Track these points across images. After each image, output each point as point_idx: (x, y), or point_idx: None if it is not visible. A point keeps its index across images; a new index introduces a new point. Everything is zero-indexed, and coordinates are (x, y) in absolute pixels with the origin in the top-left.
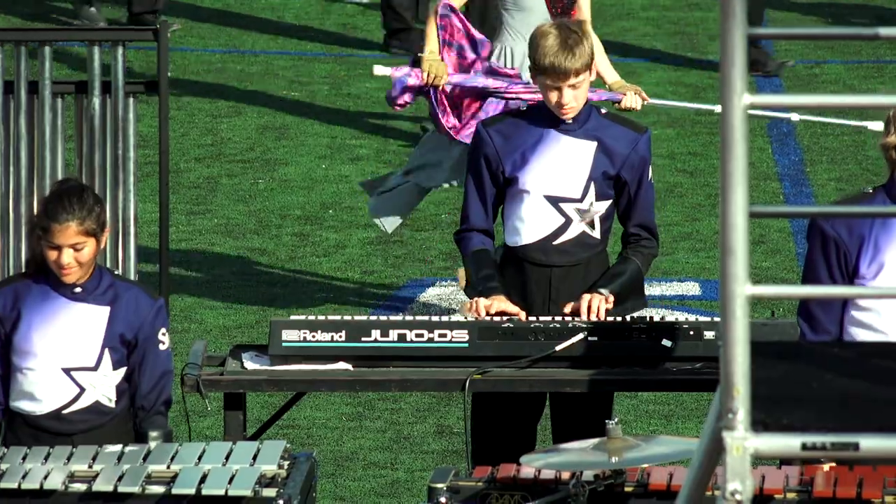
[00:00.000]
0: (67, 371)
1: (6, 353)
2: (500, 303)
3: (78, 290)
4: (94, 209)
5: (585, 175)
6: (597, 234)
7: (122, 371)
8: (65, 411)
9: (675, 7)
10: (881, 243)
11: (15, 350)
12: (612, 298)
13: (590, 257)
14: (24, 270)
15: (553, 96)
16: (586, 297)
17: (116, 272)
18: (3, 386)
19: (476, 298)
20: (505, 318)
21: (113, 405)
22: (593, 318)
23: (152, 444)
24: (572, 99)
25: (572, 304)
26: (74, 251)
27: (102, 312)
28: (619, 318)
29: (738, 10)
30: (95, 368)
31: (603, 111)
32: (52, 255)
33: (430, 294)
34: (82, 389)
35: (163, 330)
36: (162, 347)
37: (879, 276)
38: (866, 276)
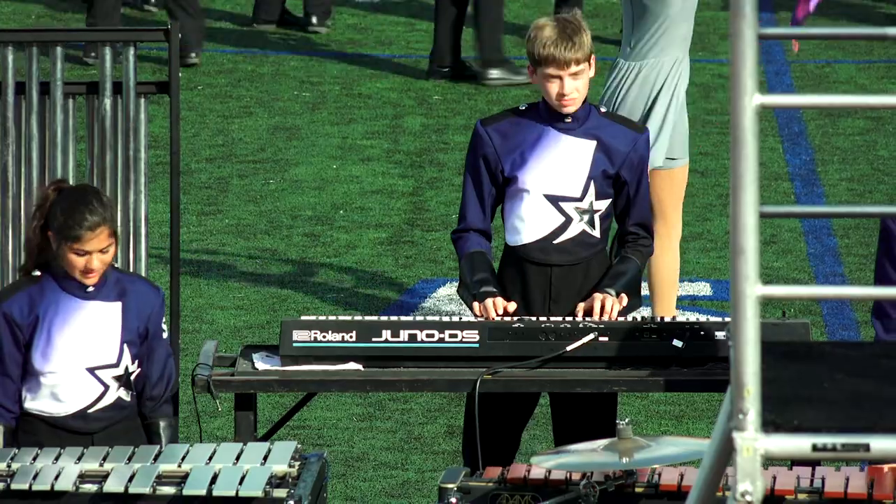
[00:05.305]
0: (92, 370)
1: (25, 358)
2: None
3: (89, 288)
4: (112, 208)
5: (585, 174)
6: (596, 233)
7: (138, 363)
8: (90, 410)
9: None
10: None
11: (36, 354)
12: (624, 299)
13: (590, 256)
14: (28, 272)
15: (554, 87)
16: (598, 296)
17: (116, 265)
18: (16, 393)
19: (492, 299)
20: (516, 318)
21: (130, 399)
22: (605, 318)
23: (164, 433)
24: (574, 90)
25: (583, 304)
26: (101, 254)
27: (115, 308)
28: (630, 319)
29: (748, 10)
30: (117, 365)
31: (602, 110)
32: (80, 261)
33: (441, 294)
34: (106, 387)
35: (164, 318)
36: (164, 336)
37: None
38: None
